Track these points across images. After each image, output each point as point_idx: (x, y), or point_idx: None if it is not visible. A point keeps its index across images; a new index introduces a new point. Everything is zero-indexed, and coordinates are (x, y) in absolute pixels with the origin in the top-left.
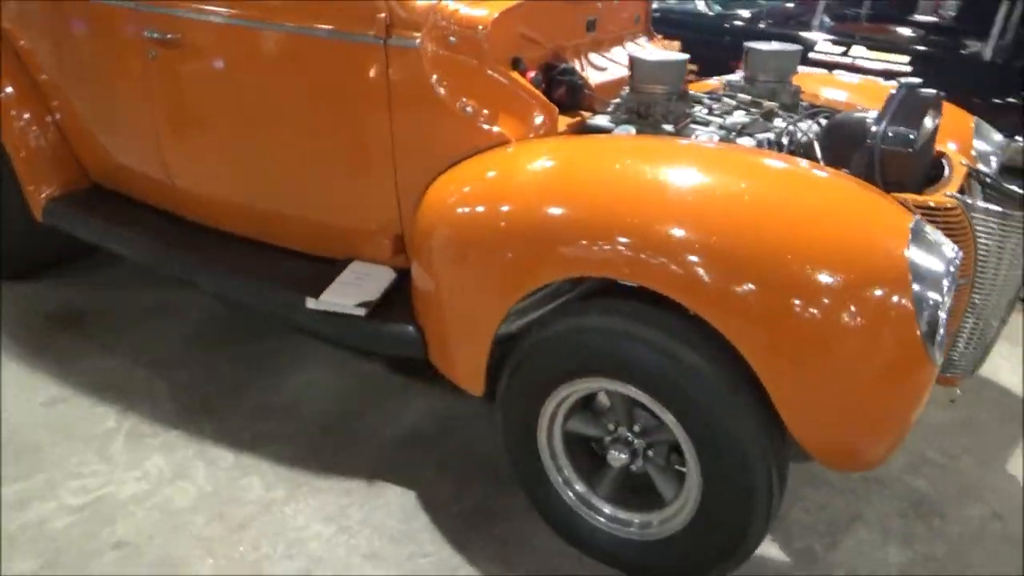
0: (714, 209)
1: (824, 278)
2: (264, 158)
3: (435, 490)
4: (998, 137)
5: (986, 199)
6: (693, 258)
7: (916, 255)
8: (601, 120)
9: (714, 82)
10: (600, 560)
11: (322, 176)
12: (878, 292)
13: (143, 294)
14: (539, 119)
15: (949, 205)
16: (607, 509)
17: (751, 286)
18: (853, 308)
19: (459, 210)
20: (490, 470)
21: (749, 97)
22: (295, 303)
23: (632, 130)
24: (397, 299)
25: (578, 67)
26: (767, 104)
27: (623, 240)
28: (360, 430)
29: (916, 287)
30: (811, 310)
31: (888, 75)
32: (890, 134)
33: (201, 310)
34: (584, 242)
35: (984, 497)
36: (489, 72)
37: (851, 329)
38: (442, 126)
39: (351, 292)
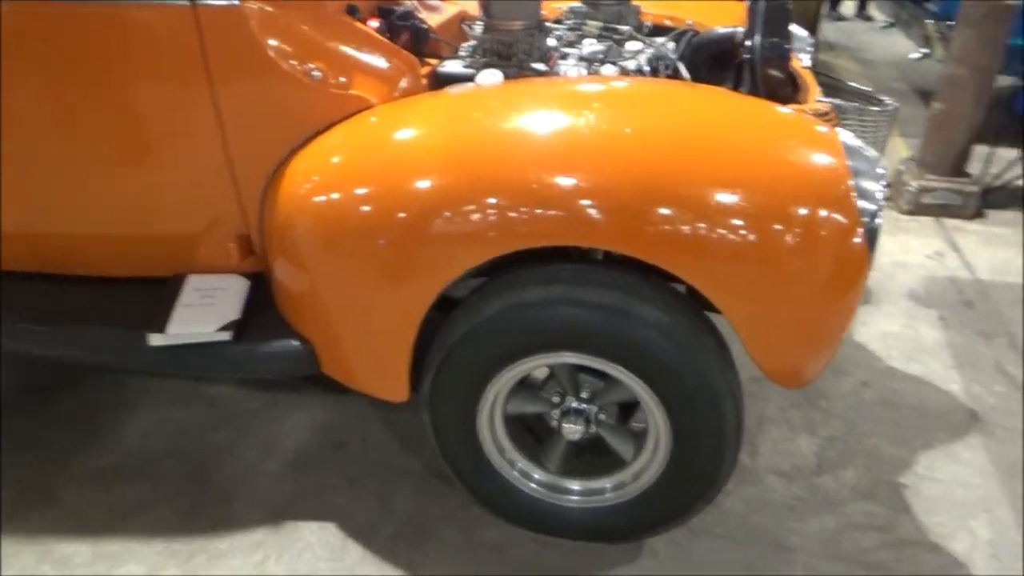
0: (638, 144)
1: (775, 201)
2: (42, 168)
3: (356, 513)
4: (805, 34)
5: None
6: (635, 203)
7: (853, 166)
8: (454, 66)
9: None
10: (577, 537)
11: (131, 180)
12: (828, 208)
13: None
14: (402, 75)
15: (823, 110)
16: (576, 486)
17: (698, 220)
18: (807, 227)
19: (315, 199)
20: (405, 473)
21: (601, 23)
22: (132, 344)
23: (498, 74)
24: (258, 309)
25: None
26: (624, 29)
27: (548, 202)
28: (239, 468)
29: (857, 197)
30: (767, 234)
31: None
32: (767, 47)
33: None
34: (511, 212)
35: (847, 370)
36: (335, 26)
37: (806, 248)
38: (285, 99)
39: (205, 315)
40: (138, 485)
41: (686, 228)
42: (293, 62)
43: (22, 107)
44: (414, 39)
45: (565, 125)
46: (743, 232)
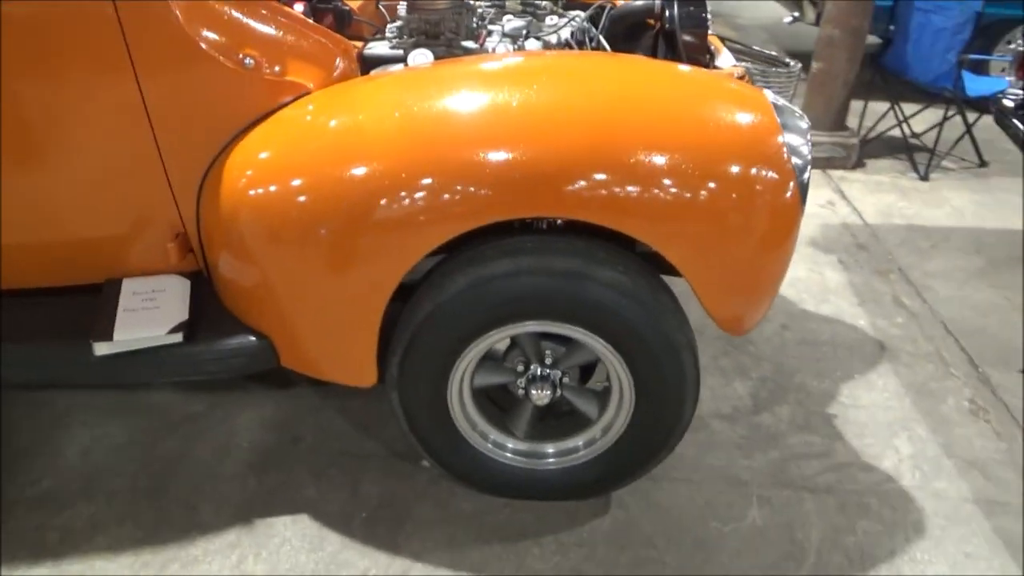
0: (583, 116)
1: (713, 160)
2: None
3: (327, 503)
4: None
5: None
6: (592, 173)
7: (782, 122)
8: (380, 48)
9: None
10: (551, 498)
11: (60, 185)
12: (762, 165)
13: None
14: (337, 58)
15: (740, 72)
16: (552, 448)
17: (642, 183)
18: (744, 183)
19: (255, 191)
20: (368, 458)
21: None
22: (77, 356)
23: (429, 54)
24: (202, 309)
25: None
26: (543, 4)
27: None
28: (196, 474)
29: (790, 154)
30: (707, 192)
31: None
32: (685, 15)
33: None
34: (454, 193)
35: (768, 316)
36: (266, 12)
37: (744, 204)
38: (218, 90)
39: (152, 318)
40: (90, 504)
41: (631, 191)
42: (224, 51)
43: None
44: (337, 22)
45: (505, 102)
46: (684, 191)
